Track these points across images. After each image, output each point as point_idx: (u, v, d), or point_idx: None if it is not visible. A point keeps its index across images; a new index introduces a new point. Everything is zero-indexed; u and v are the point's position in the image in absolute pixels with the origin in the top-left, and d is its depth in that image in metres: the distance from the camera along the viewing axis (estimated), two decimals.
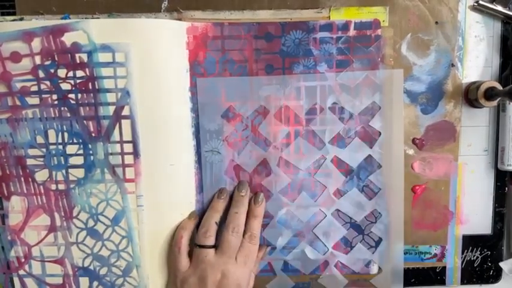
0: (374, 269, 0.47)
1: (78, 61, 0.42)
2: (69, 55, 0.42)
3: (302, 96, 0.45)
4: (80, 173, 0.43)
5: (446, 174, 0.47)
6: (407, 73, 0.45)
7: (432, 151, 0.46)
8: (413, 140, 0.46)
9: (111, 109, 0.43)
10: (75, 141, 0.43)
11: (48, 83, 0.42)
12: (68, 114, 0.43)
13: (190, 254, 0.43)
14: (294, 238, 0.47)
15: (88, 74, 0.42)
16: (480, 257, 0.48)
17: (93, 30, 0.41)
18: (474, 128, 0.47)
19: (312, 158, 0.46)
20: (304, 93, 0.45)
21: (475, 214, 0.48)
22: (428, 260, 0.48)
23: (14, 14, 0.43)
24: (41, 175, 0.43)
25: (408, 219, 0.47)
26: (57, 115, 0.43)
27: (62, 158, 0.43)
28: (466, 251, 0.48)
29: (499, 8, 0.44)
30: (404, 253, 0.48)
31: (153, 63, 0.42)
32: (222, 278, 0.41)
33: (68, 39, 0.41)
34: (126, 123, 0.43)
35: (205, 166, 0.46)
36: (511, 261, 0.47)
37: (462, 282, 0.49)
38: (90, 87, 0.42)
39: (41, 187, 0.44)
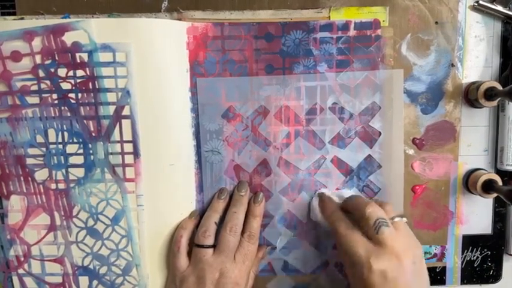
0: None
1: (78, 60, 0.42)
2: (70, 54, 0.42)
3: (302, 96, 0.45)
4: (80, 172, 0.43)
5: (446, 174, 0.47)
6: (407, 73, 0.45)
7: (432, 151, 0.46)
8: (413, 140, 0.46)
9: (111, 109, 0.43)
10: (75, 140, 0.43)
11: (48, 82, 0.42)
12: (68, 114, 0.43)
13: (190, 254, 0.43)
14: (294, 238, 0.47)
15: (88, 73, 0.42)
16: (480, 257, 0.48)
17: (93, 30, 0.41)
18: (474, 128, 0.47)
19: (312, 158, 0.46)
20: (304, 93, 0.45)
21: (475, 214, 0.48)
22: (428, 260, 0.48)
23: (14, 14, 0.43)
24: (41, 174, 0.43)
25: (408, 219, 0.47)
26: (57, 114, 0.43)
27: (62, 157, 0.43)
28: (466, 251, 0.48)
29: (499, 8, 0.44)
30: None
31: (154, 63, 0.42)
32: (220, 277, 0.41)
33: (68, 38, 0.41)
34: (126, 123, 0.43)
35: (205, 166, 0.46)
36: None
37: (462, 282, 0.49)
38: (91, 86, 0.42)
39: (41, 186, 0.44)
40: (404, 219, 0.40)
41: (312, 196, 0.46)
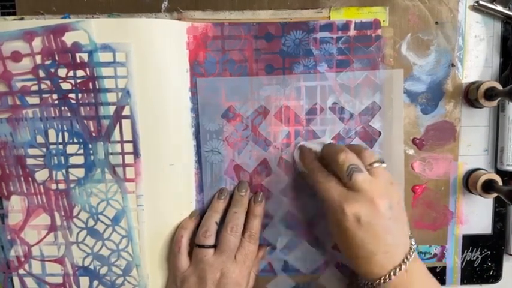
0: None
1: (78, 61, 0.42)
2: (70, 55, 0.42)
3: (302, 96, 0.45)
4: (80, 172, 0.43)
5: (446, 174, 0.47)
6: (407, 73, 0.45)
7: (432, 151, 0.46)
8: (413, 140, 0.46)
9: (111, 109, 0.43)
10: (75, 140, 0.43)
11: (48, 82, 0.42)
12: (68, 114, 0.43)
13: (190, 254, 0.43)
14: (294, 238, 0.47)
15: (88, 73, 0.42)
16: (480, 257, 0.48)
17: (93, 30, 0.41)
18: (474, 128, 0.47)
19: None
20: (304, 93, 0.45)
21: (475, 214, 0.48)
22: (428, 260, 0.48)
23: (14, 14, 0.43)
24: (41, 175, 0.43)
25: (408, 219, 0.47)
26: (57, 115, 0.43)
27: (62, 157, 0.43)
28: (466, 251, 0.48)
29: (499, 8, 0.44)
30: None
31: (154, 63, 0.42)
32: (221, 277, 0.41)
33: (68, 38, 0.41)
34: (126, 123, 0.43)
35: (205, 166, 0.46)
36: None
37: (462, 282, 0.49)
38: (91, 87, 0.42)
39: (41, 187, 0.44)
40: (384, 165, 0.39)
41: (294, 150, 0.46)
